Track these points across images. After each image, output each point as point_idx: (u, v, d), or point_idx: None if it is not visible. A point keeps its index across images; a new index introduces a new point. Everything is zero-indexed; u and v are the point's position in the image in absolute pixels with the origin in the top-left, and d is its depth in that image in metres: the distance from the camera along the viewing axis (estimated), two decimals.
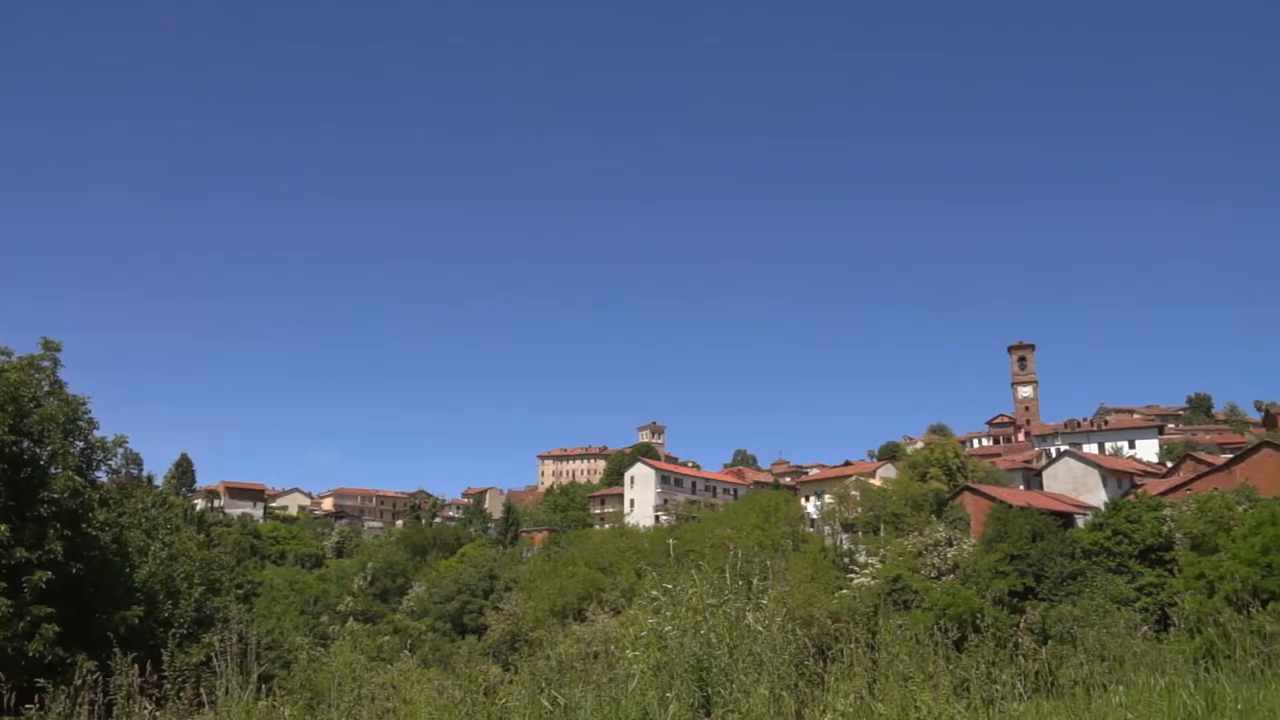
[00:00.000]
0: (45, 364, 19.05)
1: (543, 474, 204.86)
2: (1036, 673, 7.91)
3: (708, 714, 7.13)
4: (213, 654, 8.94)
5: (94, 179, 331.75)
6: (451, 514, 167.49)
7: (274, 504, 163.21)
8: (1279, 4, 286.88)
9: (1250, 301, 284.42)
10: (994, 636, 8.59)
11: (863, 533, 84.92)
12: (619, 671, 8.00)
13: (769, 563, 10.12)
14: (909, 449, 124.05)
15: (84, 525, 18.02)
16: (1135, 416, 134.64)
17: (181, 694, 8.37)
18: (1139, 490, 77.18)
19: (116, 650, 8.39)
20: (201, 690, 8.44)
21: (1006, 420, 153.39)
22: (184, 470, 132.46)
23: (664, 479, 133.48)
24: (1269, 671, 8.01)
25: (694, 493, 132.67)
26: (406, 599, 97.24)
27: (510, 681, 8.98)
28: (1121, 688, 7.64)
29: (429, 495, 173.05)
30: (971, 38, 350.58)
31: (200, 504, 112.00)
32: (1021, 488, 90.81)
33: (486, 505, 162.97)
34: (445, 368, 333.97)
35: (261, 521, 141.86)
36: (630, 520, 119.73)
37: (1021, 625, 8.94)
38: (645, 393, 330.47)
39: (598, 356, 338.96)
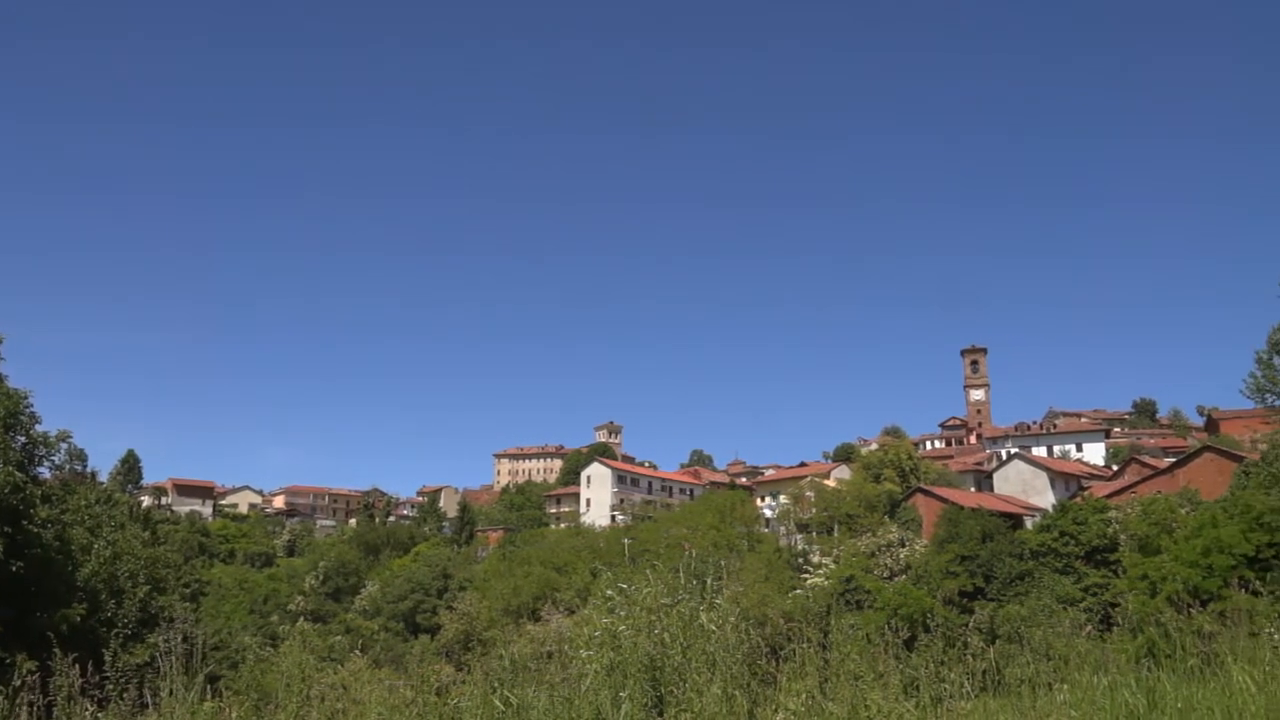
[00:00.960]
0: None
1: (499, 473, 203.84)
2: (984, 672, 8.03)
3: (661, 714, 7.14)
4: (157, 654, 8.76)
5: (37, 173, 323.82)
6: (406, 513, 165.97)
7: (224, 502, 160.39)
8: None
9: (1194, 308, 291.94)
10: (943, 636, 8.72)
11: (817, 533, 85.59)
12: (573, 671, 7.99)
13: (723, 563, 10.17)
14: (863, 450, 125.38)
15: (25, 522, 17.60)
16: (1083, 420, 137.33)
17: (124, 695, 8.20)
18: (1086, 493, 78.67)
19: (57, 650, 8.18)
20: (145, 691, 8.26)
21: (959, 423, 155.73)
22: (130, 467, 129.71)
23: (620, 478, 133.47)
24: (1208, 670, 8.19)
25: (650, 492, 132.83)
26: (359, 598, 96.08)
27: (463, 681, 8.92)
28: (1066, 686, 7.79)
29: (383, 494, 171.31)
30: (913, 35, 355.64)
31: (147, 501, 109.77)
32: (973, 489, 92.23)
33: (441, 504, 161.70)
34: (401, 366, 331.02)
35: (210, 519, 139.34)
36: (586, 520, 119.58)
37: (970, 625, 9.07)
38: (603, 392, 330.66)
39: (555, 356, 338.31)
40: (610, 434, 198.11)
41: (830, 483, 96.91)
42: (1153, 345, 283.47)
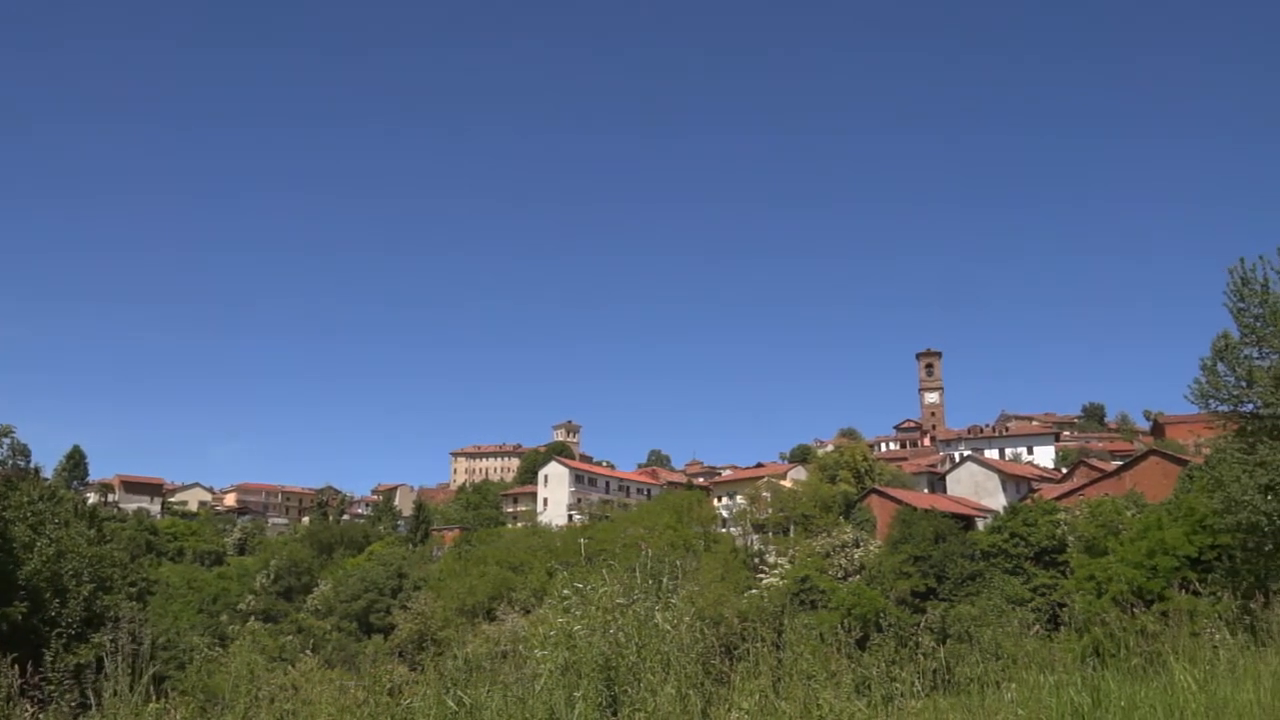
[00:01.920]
0: None
1: (455, 471, 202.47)
2: (935, 671, 8.13)
3: (615, 713, 7.13)
4: (102, 654, 8.56)
5: None
6: (360, 511, 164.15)
7: (173, 499, 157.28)
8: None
9: (1141, 315, 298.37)
10: (896, 635, 8.81)
11: (773, 533, 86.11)
12: (527, 671, 7.95)
13: (680, 563, 10.18)
14: (819, 452, 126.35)
15: None
16: (1034, 424, 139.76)
17: (66, 695, 8.01)
18: (1036, 495, 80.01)
19: None
20: (88, 691, 8.08)
21: (913, 425, 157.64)
22: (76, 463, 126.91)
23: (578, 478, 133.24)
24: (1151, 669, 8.37)
25: (608, 492, 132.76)
26: (311, 598, 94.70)
27: (416, 682, 8.83)
28: (1014, 685, 7.91)
29: (337, 491, 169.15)
30: (839, 33, 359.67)
31: (93, 498, 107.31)
32: (926, 491, 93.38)
33: (397, 502, 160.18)
34: (357, 363, 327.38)
35: (159, 517, 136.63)
36: (543, 519, 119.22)
37: (922, 625, 9.19)
38: (561, 392, 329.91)
39: (514, 355, 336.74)
40: (568, 433, 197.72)
41: (787, 483, 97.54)
42: (1102, 350, 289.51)
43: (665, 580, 8.55)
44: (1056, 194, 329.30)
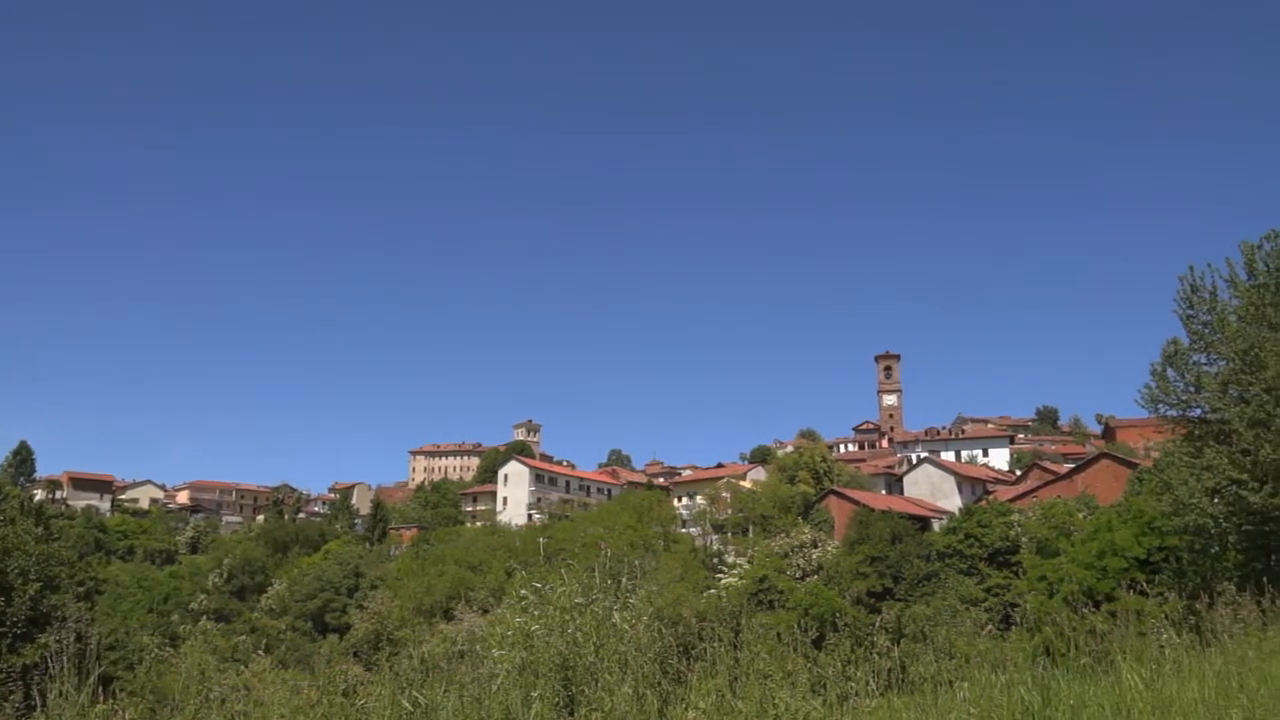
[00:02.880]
0: None
1: (414, 470, 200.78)
2: (890, 670, 8.21)
3: (571, 713, 7.12)
4: (48, 654, 8.37)
5: None
6: (317, 509, 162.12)
7: (123, 496, 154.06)
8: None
9: (1094, 320, 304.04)
10: (851, 635, 8.89)
11: (732, 533, 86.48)
12: (484, 671, 7.91)
13: (639, 563, 10.20)
14: (779, 453, 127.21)
15: None
16: (989, 426, 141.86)
17: (10, 696, 7.81)
18: (990, 496, 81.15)
19: None
20: (34, 692, 7.89)
21: (872, 427, 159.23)
22: (22, 459, 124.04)
23: (538, 477, 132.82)
24: (1099, 668, 8.51)
25: (568, 492, 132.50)
26: (265, 597, 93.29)
27: (371, 681, 8.74)
28: (966, 684, 8.00)
29: (293, 489, 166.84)
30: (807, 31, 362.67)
31: (40, 495, 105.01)
32: (884, 492, 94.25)
33: (354, 501, 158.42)
34: (315, 361, 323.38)
35: (109, 515, 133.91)
36: (503, 518, 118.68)
37: (878, 624, 9.28)
38: (521, 391, 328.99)
39: (475, 353, 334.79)
40: (529, 432, 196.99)
41: (746, 484, 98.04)
42: (1056, 354, 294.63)
43: (624, 580, 8.55)
44: (1017, 199, 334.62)
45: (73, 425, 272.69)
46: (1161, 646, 9.43)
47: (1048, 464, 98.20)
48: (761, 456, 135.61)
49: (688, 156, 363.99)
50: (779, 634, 8.37)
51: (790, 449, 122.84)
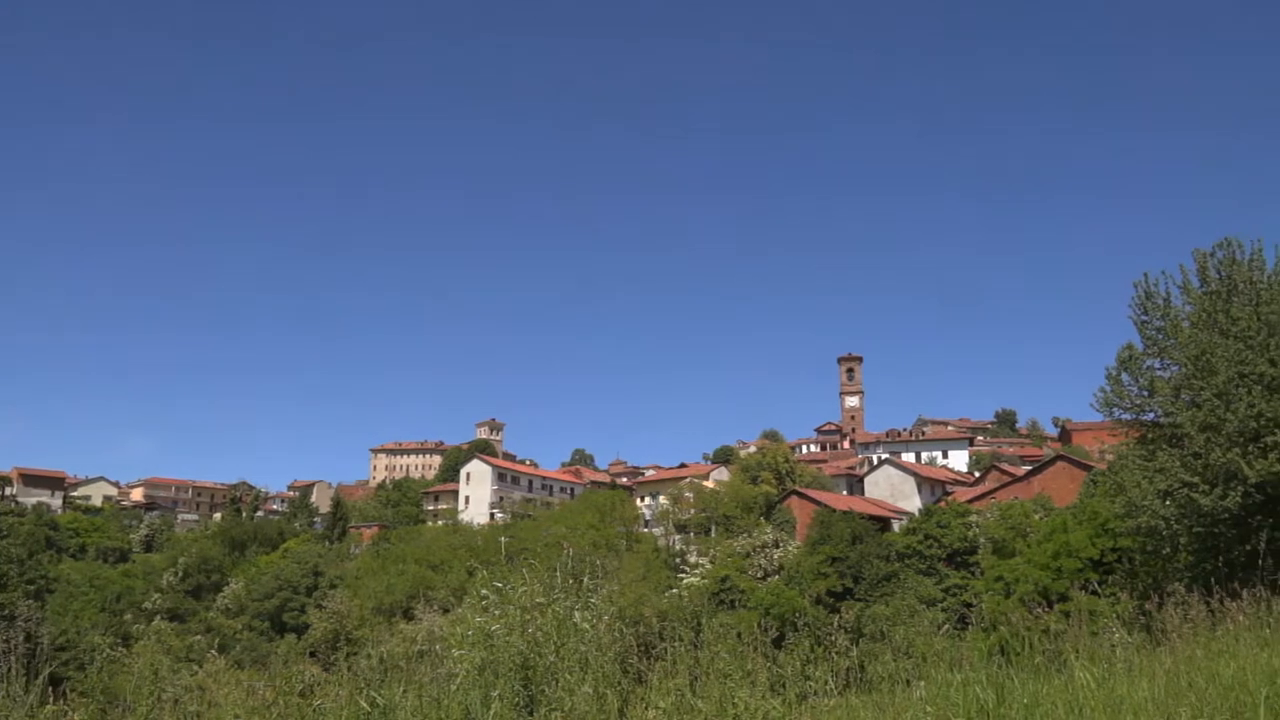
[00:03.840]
0: None
1: (375, 468, 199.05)
2: (848, 669, 8.28)
3: (531, 713, 7.10)
4: None
5: None
6: (276, 508, 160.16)
7: (75, 493, 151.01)
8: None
9: (1052, 324, 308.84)
10: (811, 635, 8.96)
11: (695, 533, 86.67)
12: (443, 671, 7.86)
13: (601, 562, 10.20)
14: (742, 453, 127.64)
15: None
16: (949, 428, 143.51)
17: None
18: (949, 498, 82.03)
19: None
20: None
21: (834, 428, 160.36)
22: None
23: (501, 476, 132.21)
24: (1053, 667, 8.64)
25: (531, 491, 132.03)
26: (221, 596, 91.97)
27: (329, 682, 8.65)
28: (923, 683, 8.09)
29: (251, 487, 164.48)
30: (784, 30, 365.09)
31: None
32: (845, 493, 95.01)
33: (314, 499, 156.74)
34: (275, 357, 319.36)
35: (60, 512, 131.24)
36: (465, 517, 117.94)
37: (837, 624, 9.36)
38: (484, 389, 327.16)
39: (438, 351, 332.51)
40: (492, 431, 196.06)
41: (709, 484, 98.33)
42: (1015, 357, 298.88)
43: (585, 580, 8.54)
44: (981, 202, 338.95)
45: (23, 420, 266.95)
46: (1113, 646, 9.61)
47: (1006, 466, 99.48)
48: (724, 457, 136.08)
49: (649, 154, 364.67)
50: (739, 633, 8.40)
51: (753, 449, 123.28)
